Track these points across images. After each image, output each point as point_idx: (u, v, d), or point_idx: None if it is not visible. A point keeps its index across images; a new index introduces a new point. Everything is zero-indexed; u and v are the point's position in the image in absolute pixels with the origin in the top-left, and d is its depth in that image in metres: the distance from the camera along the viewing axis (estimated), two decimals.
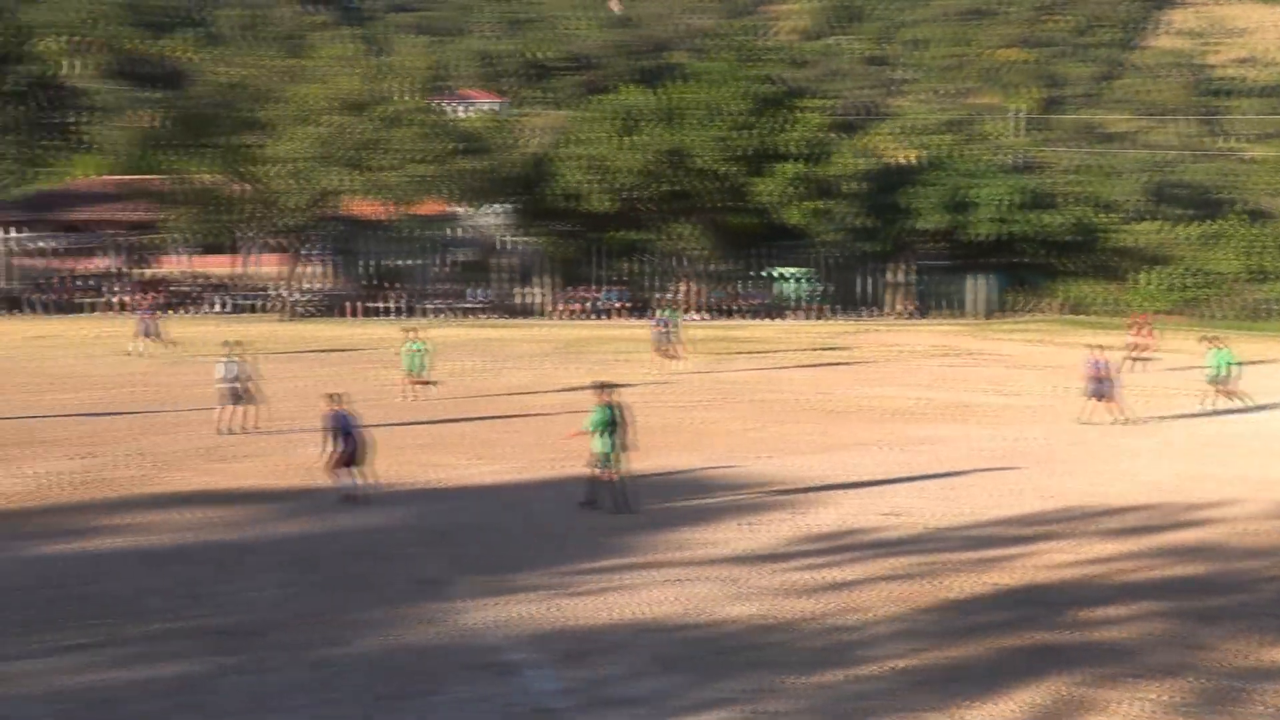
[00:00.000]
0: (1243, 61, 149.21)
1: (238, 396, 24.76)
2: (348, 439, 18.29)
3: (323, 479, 18.72)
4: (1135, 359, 36.48)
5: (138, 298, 51.84)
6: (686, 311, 61.51)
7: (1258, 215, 74.78)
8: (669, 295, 60.47)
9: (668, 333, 37.01)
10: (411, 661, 11.92)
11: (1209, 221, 73.25)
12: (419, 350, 29.90)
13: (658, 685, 11.39)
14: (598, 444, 17.85)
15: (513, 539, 16.76)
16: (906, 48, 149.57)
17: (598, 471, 18.00)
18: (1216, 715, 10.86)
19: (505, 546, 16.32)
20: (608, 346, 44.24)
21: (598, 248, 63.99)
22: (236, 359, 25.11)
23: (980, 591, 14.48)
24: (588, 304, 61.82)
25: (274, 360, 34.78)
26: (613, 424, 17.84)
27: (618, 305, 61.61)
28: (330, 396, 18.72)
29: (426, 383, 29.92)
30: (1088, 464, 22.80)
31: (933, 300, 66.81)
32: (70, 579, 14.61)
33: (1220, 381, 29.31)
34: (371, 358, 39.43)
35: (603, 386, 18.33)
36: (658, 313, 39.86)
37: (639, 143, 61.61)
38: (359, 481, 18.47)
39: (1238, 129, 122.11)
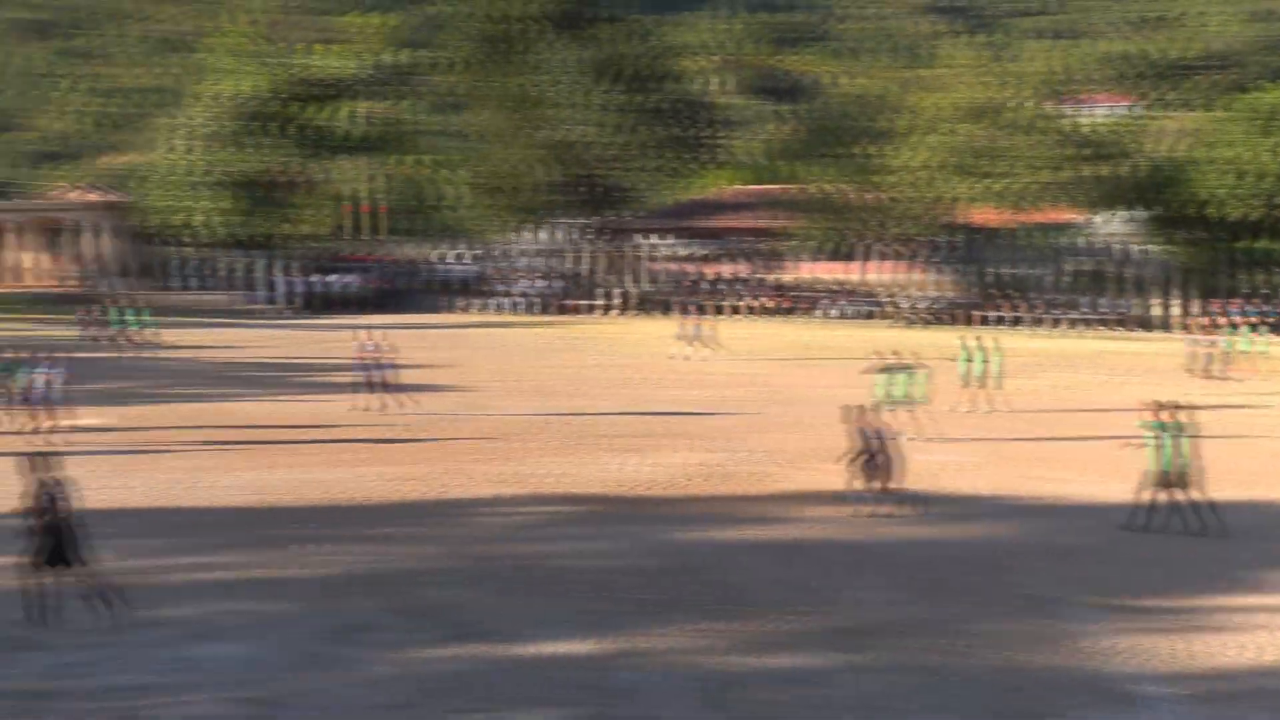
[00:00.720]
0: None
1: (898, 403, 24.32)
2: (875, 452, 17.89)
3: (932, 485, 18.69)
4: None
5: (686, 306, 54.31)
6: None
7: None
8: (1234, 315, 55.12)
9: (1214, 353, 33.56)
10: (1029, 681, 11.58)
11: None
12: (974, 357, 28.93)
13: None
14: (1152, 462, 16.84)
15: (1121, 559, 15.99)
16: None
17: (1153, 493, 16.93)
18: None
19: (1114, 567, 15.60)
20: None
21: (1234, 258, 59.64)
22: (902, 366, 25.22)
23: None
24: (1221, 318, 57.65)
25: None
26: (1171, 442, 16.76)
27: (1255, 321, 57.01)
28: (857, 410, 18.39)
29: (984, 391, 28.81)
30: None
31: None
32: (700, 564, 15.51)
33: None
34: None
35: (1162, 405, 17.18)
36: (1217, 332, 36.06)
37: None
38: (882, 493, 18.05)
39: None
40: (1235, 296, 58.66)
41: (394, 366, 28.53)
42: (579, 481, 20.52)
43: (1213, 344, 34.26)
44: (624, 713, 10.75)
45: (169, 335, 43.65)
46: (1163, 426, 16.90)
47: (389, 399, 27.88)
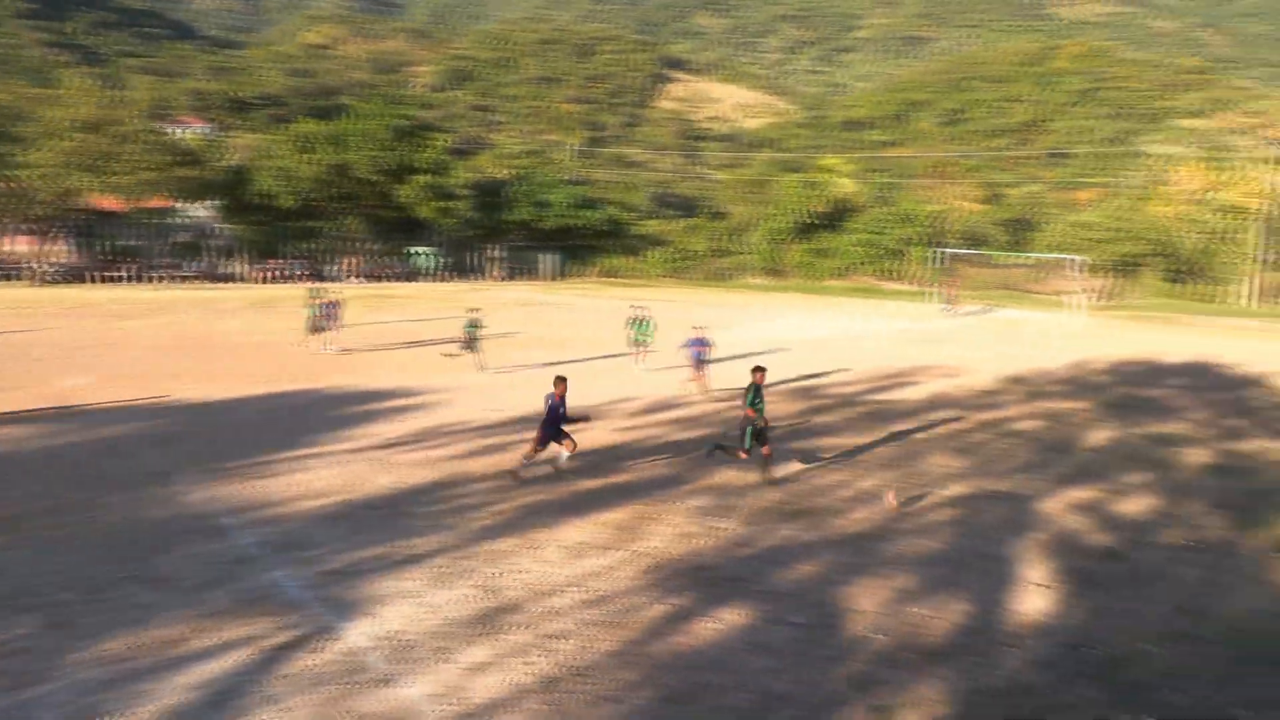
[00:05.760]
0: (712, 119, 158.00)
1: None
2: None
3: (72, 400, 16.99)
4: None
5: None
6: (351, 278, 59.54)
7: (718, 214, 79.40)
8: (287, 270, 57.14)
9: (323, 311, 26.73)
10: (147, 530, 11.41)
11: (690, 219, 77.36)
12: (317, 307, 26.49)
13: (322, 535, 11.41)
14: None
15: (223, 438, 15.84)
16: (501, 100, 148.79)
17: None
18: None
19: (216, 443, 15.47)
20: (292, 303, 42.06)
21: (284, 232, 60.53)
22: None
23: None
24: (275, 272, 58.51)
25: (29, 316, 31.09)
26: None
27: (299, 273, 58.75)
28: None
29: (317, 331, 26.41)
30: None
31: (518, 268, 67.52)
32: None
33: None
34: (110, 311, 35.98)
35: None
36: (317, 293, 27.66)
37: (314, 159, 58.85)
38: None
39: (708, 161, 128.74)
40: (284, 257, 59.97)
41: None
42: None
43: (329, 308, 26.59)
44: None
45: None
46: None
47: None
